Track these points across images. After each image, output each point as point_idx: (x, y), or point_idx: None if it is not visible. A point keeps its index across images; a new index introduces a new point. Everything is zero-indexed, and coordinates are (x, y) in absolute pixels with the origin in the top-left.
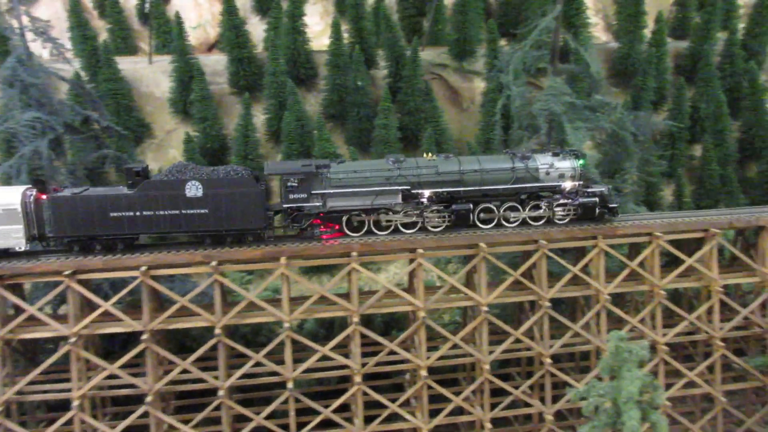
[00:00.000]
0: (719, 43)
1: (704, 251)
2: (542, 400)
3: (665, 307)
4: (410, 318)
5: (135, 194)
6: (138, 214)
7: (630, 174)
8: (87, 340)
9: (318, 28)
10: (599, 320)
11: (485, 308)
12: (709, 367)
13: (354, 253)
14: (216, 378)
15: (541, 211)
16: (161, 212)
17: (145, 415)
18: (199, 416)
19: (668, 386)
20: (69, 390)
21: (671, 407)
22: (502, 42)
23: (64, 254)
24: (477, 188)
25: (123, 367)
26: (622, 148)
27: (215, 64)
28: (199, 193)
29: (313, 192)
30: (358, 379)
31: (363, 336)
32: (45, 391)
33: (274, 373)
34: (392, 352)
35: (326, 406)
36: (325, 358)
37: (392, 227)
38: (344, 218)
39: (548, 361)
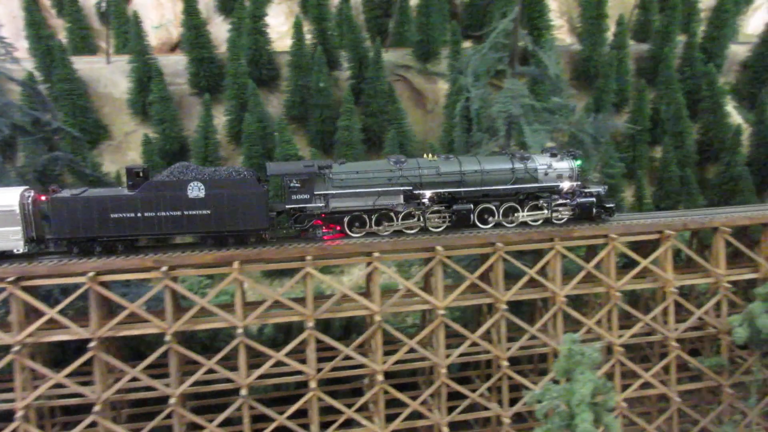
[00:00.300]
0: (680, 45)
1: (659, 253)
2: (500, 402)
3: (622, 309)
4: (367, 322)
5: (136, 195)
6: (139, 215)
7: (590, 176)
8: (34, 349)
9: (283, 29)
10: (556, 322)
11: (442, 311)
12: (664, 368)
13: (308, 257)
14: (167, 385)
15: (544, 212)
16: (163, 213)
17: (94, 424)
18: (149, 425)
19: (625, 387)
20: (13, 400)
21: (628, 408)
22: (466, 44)
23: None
24: (477, 189)
25: (74, 375)
26: (582, 150)
27: (175, 65)
28: (202, 194)
29: (315, 193)
30: (313, 384)
31: (320, 341)
32: None
33: (228, 380)
34: (349, 357)
35: (283, 413)
36: (281, 363)
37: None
38: (345, 219)
39: (505, 363)
